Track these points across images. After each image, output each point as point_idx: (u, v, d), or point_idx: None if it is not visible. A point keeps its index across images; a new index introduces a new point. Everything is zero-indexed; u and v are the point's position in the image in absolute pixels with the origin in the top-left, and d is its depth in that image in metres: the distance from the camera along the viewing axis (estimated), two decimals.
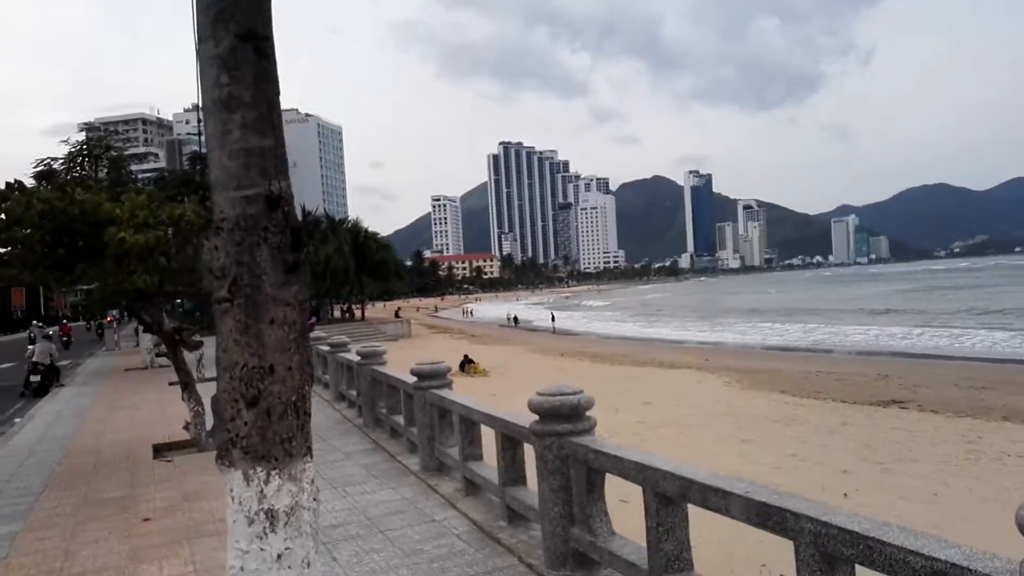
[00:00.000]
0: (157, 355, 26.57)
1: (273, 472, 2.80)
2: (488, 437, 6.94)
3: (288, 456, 2.82)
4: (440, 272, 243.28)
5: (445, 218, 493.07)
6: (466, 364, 30.20)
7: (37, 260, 9.10)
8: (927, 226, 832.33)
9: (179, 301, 41.16)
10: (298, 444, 2.86)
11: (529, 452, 5.82)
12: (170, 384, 20.06)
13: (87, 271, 9.03)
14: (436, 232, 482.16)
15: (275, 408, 2.79)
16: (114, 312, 48.32)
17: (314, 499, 2.91)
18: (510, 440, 6.14)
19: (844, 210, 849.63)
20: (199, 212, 9.67)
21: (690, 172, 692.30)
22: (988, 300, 77.64)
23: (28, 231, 8.63)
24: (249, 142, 2.72)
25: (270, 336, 2.77)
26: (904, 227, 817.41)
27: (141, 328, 26.48)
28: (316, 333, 18.27)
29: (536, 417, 5.18)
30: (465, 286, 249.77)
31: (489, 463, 6.97)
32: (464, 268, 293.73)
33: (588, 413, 5.07)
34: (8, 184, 8.76)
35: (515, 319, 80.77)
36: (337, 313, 65.29)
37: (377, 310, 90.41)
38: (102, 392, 19.79)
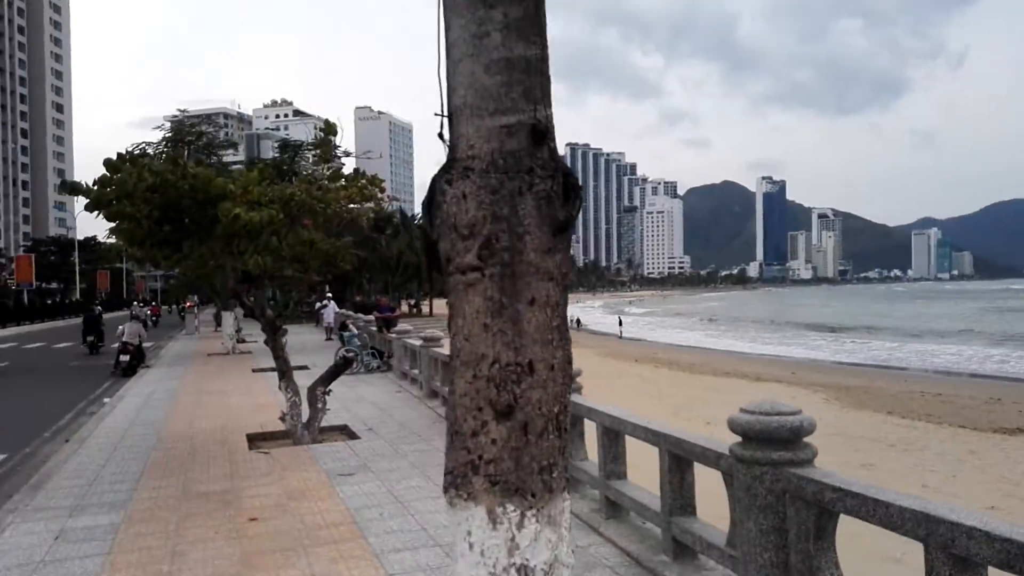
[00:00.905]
0: (239, 341, 26.68)
1: (529, 513, 2.03)
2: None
3: (547, 491, 2.06)
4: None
5: None
6: None
7: (144, 236, 8.71)
8: (1016, 243, 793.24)
9: None
10: (559, 475, 2.09)
11: (705, 478, 5.12)
12: (254, 371, 19.97)
13: (195, 249, 8.58)
14: None
15: (534, 422, 2.03)
16: (194, 297, 49.40)
17: (572, 552, 2.15)
18: (679, 461, 5.35)
19: (926, 223, 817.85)
20: (310, 191, 9.14)
21: (762, 178, 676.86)
22: None
23: (138, 205, 8.23)
24: (512, 50, 1.97)
25: (530, 321, 2.02)
26: (991, 243, 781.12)
27: (233, 313, 26.75)
28: (402, 326, 17.79)
29: (738, 439, 4.39)
30: None
31: (636, 483, 6.19)
32: None
33: (807, 440, 4.20)
34: (119, 155, 8.38)
35: (578, 321, 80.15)
36: (404, 307, 65.48)
37: (440, 306, 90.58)
38: (188, 375, 19.74)
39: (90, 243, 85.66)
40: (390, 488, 7.66)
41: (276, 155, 34.96)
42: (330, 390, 11.01)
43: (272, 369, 20.06)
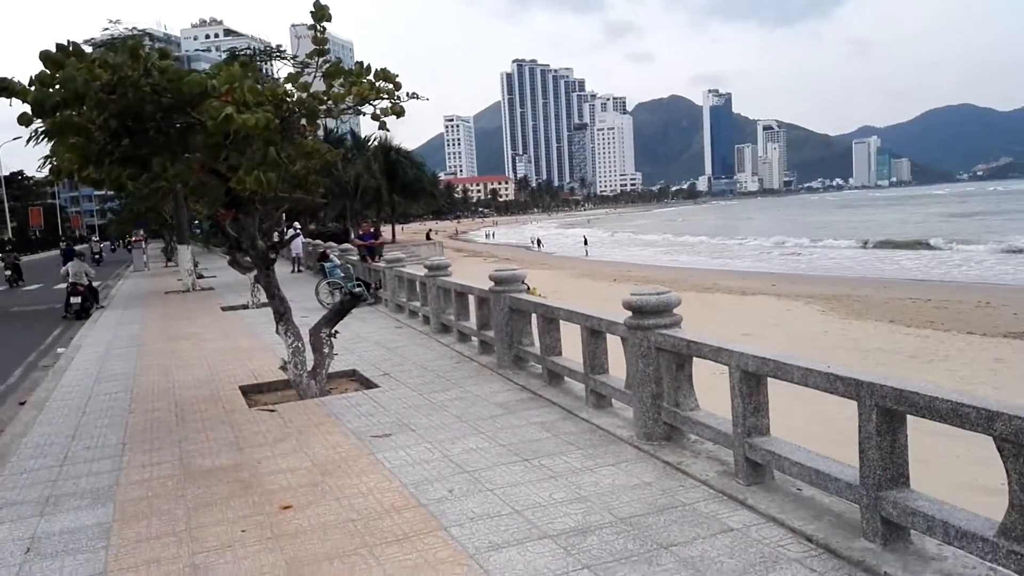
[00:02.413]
0: (199, 276, 24.63)
1: None
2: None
3: None
4: (455, 194, 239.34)
5: (458, 139, 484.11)
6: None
7: (99, 152, 6.84)
8: (950, 148, 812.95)
9: (196, 221, 38.97)
10: None
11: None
12: (223, 309, 18.14)
13: (168, 167, 6.74)
14: (449, 153, 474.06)
15: None
16: (139, 231, 46.42)
17: None
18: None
19: (866, 131, 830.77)
20: (315, 94, 7.32)
21: (709, 91, 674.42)
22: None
23: (91, 111, 6.34)
24: None
25: None
26: (927, 149, 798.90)
27: (190, 245, 24.51)
28: (394, 254, 16.09)
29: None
30: (480, 209, 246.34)
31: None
32: (479, 191, 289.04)
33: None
34: (59, 46, 6.41)
35: (538, 241, 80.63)
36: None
37: (406, 232, 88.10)
38: (149, 317, 17.81)
39: (17, 178, 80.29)
40: (445, 452, 6.22)
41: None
42: (337, 331, 9.42)
43: (244, 307, 18.41)
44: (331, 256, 17.33)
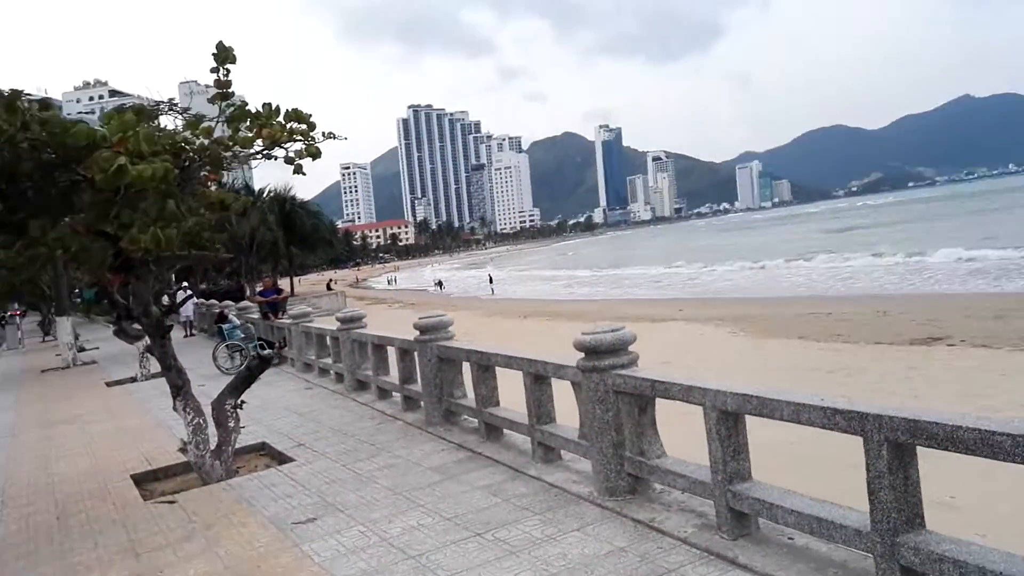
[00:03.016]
0: (80, 350, 22.63)
1: None
2: None
3: None
4: (354, 242, 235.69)
5: (355, 186, 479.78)
6: None
7: None
8: (826, 167, 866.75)
9: (76, 290, 36.07)
10: None
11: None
12: (108, 385, 16.57)
13: (48, 230, 5.75)
14: (347, 201, 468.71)
15: None
16: (14, 304, 42.86)
17: None
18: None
19: (748, 157, 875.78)
20: (220, 140, 6.48)
21: (600, 127, 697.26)
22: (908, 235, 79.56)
23: None
24: None
25: None
26: (804, 170, 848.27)
27: (69, 317, 22.56)
28: (299, 308, 15.01)
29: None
30: (380, 255, 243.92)
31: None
32: (378, 236, 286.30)
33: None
34: None
35: (440, 283, 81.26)
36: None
37: (305, 285, 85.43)
38: (25, 400, 15.98)
39: None
40: (383, 535, 5.41)
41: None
42: (243, 402, 8.44)
43: (132, 380, 16.81)
44: (229, 317, 16.10)
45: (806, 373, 15.63)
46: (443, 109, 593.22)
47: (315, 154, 6.80)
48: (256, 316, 17.55)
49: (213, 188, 6.77)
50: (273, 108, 6.71)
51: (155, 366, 16.93)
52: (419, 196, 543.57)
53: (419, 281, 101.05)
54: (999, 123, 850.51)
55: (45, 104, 5.69)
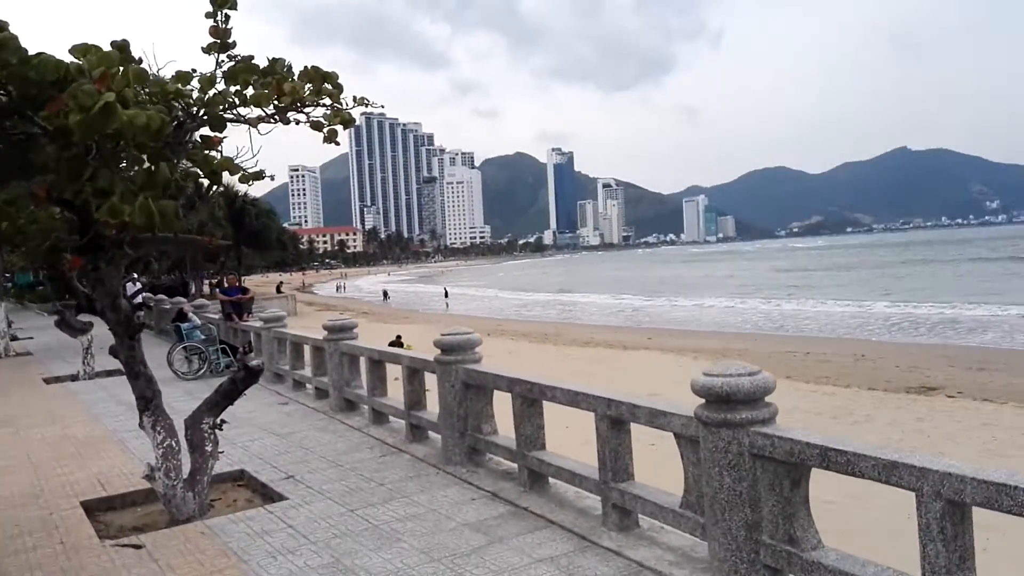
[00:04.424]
0: (12, 339, 20.60)
1: None
2: None
3: None
4: (300, 246, 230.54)
5: (304, 189, 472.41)
6: (397, 344, 26.05)
7: None
8: (768, 207, 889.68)
9: (7, 274, 33.35)
10: None
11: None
12: (47, 382, 14.82)
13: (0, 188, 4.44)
14: (294, 204, 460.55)
15: None
16: None
17: None
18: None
19: (694, 190, 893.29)
20: (223, 94, 5.23)
21: (553, 149, 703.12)
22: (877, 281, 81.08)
23: None
24: None
25: None
26: (748, 207, 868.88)
27: (1, 303, 20.56)
28: (272, 311, 13.56)
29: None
30: (327, 260, 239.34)
31: None
32: (325, 242, 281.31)
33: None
34: None
35: (384, 293, 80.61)
36: (207, 288, 57.98)
37: (255, 284, 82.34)
38: None
39: None
40: None
41: None
42: (223, 422, 7.12)
43: (73, 378, 15.04)
44: (189, 315, 14.56)
45: (807, 416, 14.89)
46: (396, 119, 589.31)
47: (348, 121, 5.59)
48: (215, 316, 15.99)
49: (217, 153, 5.46)
50: (286, 64, 5.49)
51: (99, 364, 15.31)
52: (368, 204, 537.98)
53: (368, 290, 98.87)
54: (933, 177, 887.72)
55: (1, 25, 4.32)
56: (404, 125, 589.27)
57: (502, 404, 7.05)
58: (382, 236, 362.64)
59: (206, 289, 57.02)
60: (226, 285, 15.95)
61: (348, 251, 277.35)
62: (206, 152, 5.26)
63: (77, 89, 3.91)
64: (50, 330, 22.24)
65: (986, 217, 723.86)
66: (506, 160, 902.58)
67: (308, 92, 5.41)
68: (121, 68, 4.30)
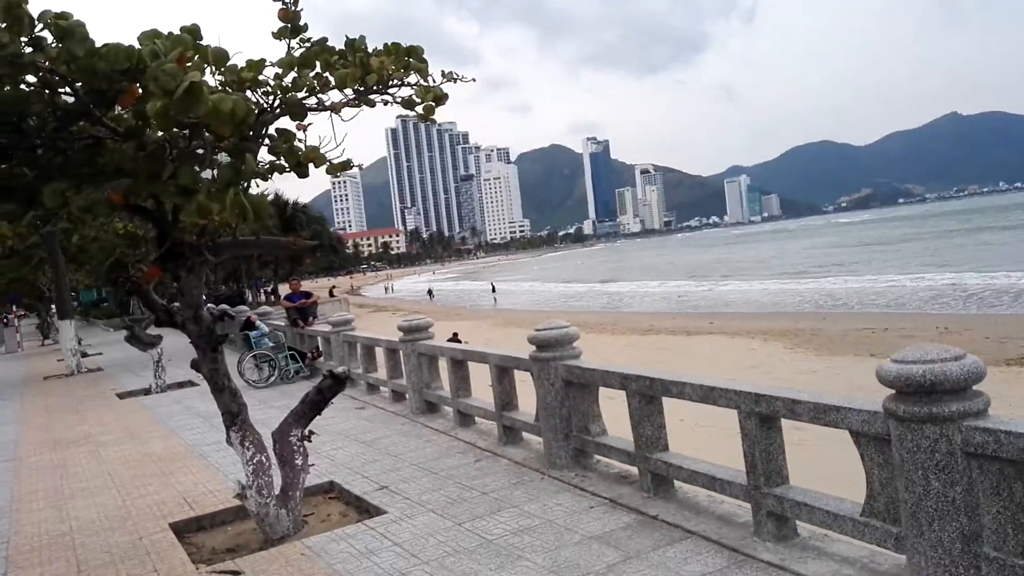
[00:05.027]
0: (83, 355, 20.79)
1: None
2: None
3: None
4: (346, 250, 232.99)
5: (346, 195, 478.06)
6: (454, 341, 25.72)
7: None
8: (814, 182, 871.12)
9: (73, 291, 34.01)
10: None
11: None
12: (120, 396, 14.75)
13: (72, 196, 4.03)
14: (337, 209, 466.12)
15: None
16: (12, 307, 40.89)
17: None
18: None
19: (735, 171, 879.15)
20: (304, 75, 4.77)
21: (588, 139, 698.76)
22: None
23: None
24: None
25: None
26: (793, 184, 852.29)
27: (71, 320, 20.76)
28: (339, 315, 13.23)
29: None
30: (373, 263, 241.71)
31: None
32: (370, 245, 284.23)
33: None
34: None
35: (430, 292, 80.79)
36: (262, 296, 58.61)
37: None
38: (28, 411, 14.11)
39: None
40: None
41: None
42: (312, 433, 6.72)
43: (146, 392, 14.94)
44: (257, 323, 14.32)
45: None
46: (432, 119, 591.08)
47: (441, 97, 5.07)
48: (281, 323, 15.75)
49: (302, 140, 4.98)
50: (364, 43, 4.95)
51: (170, 376, 15.23)
52: (409, 205, 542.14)
53: (416, 289, 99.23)
54: (987, 141, 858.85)
55: (63, 14, 3.89)
56: (440, 125, 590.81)
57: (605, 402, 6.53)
58: (424, 236, 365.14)
59: (262, 297, 57.67)
60: (290, 291, 15.67)
61: (392, 252, 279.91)
62: (292, 142, 4.78)
63: (157, 70, 3.45)
64: (118, 345, 22.42)
65: None
66: (541, 153, 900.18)
67: (394, 69, 4.91)
68: (197, 52, 3.86)
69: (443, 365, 9.21)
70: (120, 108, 4.22)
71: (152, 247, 8.27)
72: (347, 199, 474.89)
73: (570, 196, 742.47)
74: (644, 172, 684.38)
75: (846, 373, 16.55)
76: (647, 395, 5.51)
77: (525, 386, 7.77)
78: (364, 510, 6.62)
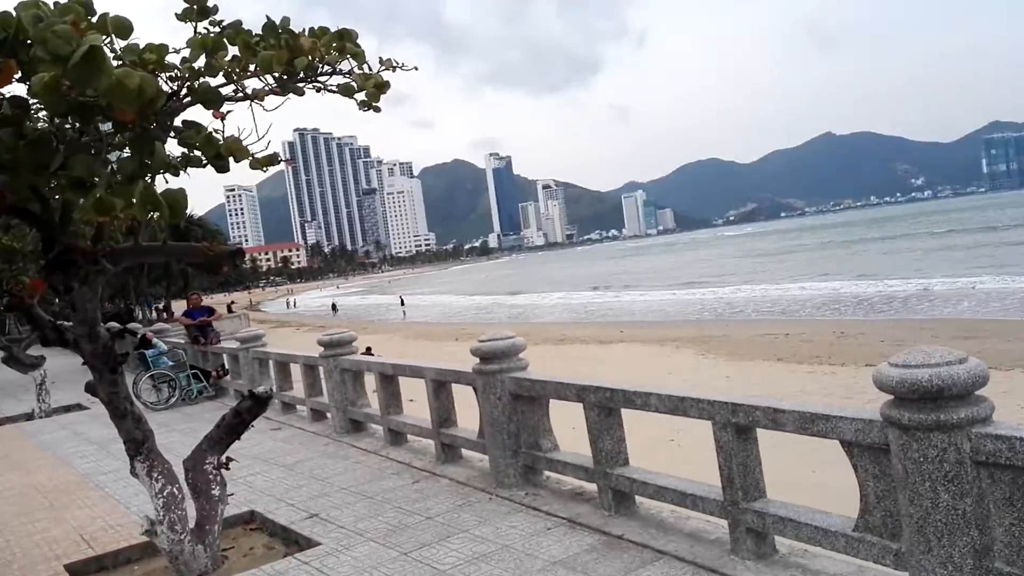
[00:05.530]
0: None
1: None
2: None
3: None
4: (244, 264, 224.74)
5: (241, 208, 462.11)
6: (367, 354, 24.92)
7: None
8: (704, 197, 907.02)
9: None
10: None
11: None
12: None
13: None
14: (233, 223, 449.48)
15: None
16: None
17: None
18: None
19: (632, 186, 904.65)
20: (218, 59, 4.19)
21: (490, 154, 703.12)
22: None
23: None
24: None
25: None
26: (685, 199, 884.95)
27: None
28: (248, 331, 12.35)
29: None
30: (272, 278, 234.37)
31: None
32: (268, 259, 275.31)
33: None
34: None
35: (333, 306, 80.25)
36: (153, 314, 55.34)
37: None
38: None
39: None
40: None
41: None
42: (230, 459, 6.08)
43: (28, 417, 13.50)
44: (155, 341, 13.24)
45: (827, 399, 14.35)
46: (330, 133, 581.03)
47: (383, 85, 4.58)
48: (180, 340, 14.66)
49: (221, 130, 4.39)
50: (284, 26, 4.43)
51: (56, 399, 13.86)
52: (309, 219, 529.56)
53: (319, 304, 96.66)
54: (859, 159, 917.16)
55: None
56: (339, 139, 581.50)
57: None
58: (326, 250, 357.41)
59: (153, 315, 54.53)
60: (190, 306, 14.60)
61: (292, 267, 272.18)
62: (206, 133, 4.19)
63: (46, 31, 2.83)
64: None
65: (912, 194, 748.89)
66: (444, 168, 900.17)
67: (325, 53, 4.40)
68: (92, 22, 3.26)
69: (369, 381, 8.66)
70: None
71: (30, 261, 7.46)
72: (243, 212, 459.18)
73: (474, 210, 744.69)
74: (546, 187, 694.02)
75: (760, 378, 16.90)
76: (606, 407, 5.19)
77: (461, 400, 7.36)
78: (292, 542, 6.02)
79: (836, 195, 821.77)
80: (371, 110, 4.57)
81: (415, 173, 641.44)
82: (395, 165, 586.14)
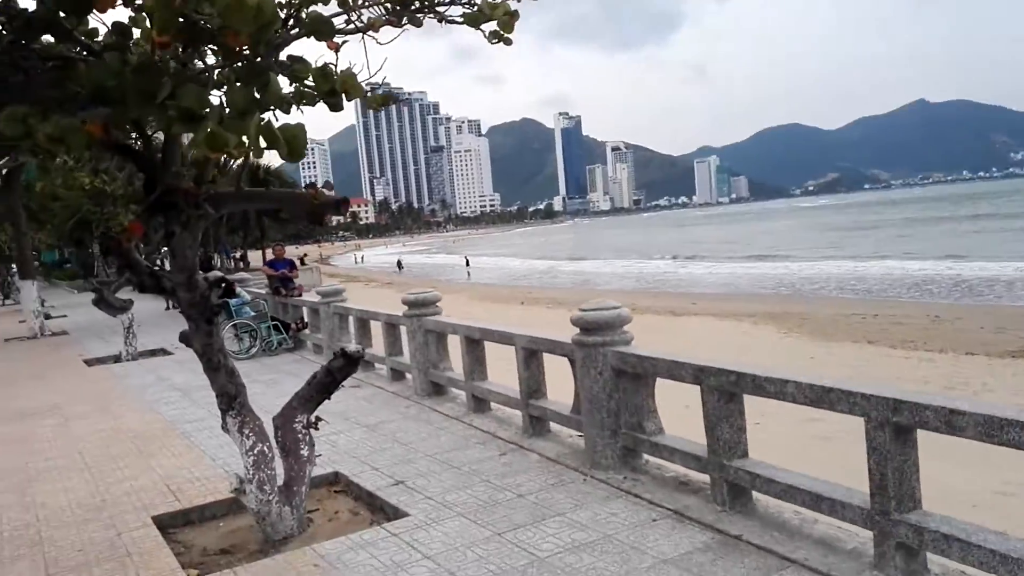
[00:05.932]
0: (46, 318, 19.58)
1: None
2: None
3: None
4: (345, 215, 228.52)
5: (314, 162, 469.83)
6: None
7: None
8: (782, 165, 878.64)
9: (34, 250, 32.22)
10: None
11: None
12: (88, 363, 13.69)
13: (34, 121, 3.12)
14: (305, 176, 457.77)
15: None
16: None
17: None
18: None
19: (705, 151, 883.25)
20: None
21: (560, 114, 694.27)
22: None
23: None
24: None
25: None
26: (761, 167, 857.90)
27: (34, 280, 19.51)
28: (329, 285, 12.29)
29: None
30: (341, 233, 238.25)
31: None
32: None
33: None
34: None
35: (399, 263, 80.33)
36: (231, 263, 56.75)
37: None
38: None
39: None
40: None
41: None
42: (319, 419, 5.89)
43: (115, 359, 13.80)
44: (239, 290, 13.31)
45: (916, 386, 13.51)
46: (401, 88, 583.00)
47: (513, 14, 4.13)
48: (261, 291, 14.73)
49: (336, 64, 4.04)
50: None
51: (142, 343, 14.14)
52: (378, 175, 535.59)
53: (387, 261, 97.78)
54: (953, 129, 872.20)
55: None
56: (410, 94, 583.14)
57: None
58: (393, 207, 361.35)
59: (231, 264, 55.98)
60: (273, 257, 14.63)
61: (361, 223, 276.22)
62: (325, 64, 3.84)
63: None
64: (82, 308, 21.15)
65: (1010, 169, 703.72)
66: (512, 126, 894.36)
67: None
68: None
69: (454, 343, 8.38)
70: (98, 12, 3.28)
71: (120, 205, 7.22)
72: (315, 166, 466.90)
73: (540, 171, 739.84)
74: (615, 149, 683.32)
75: (850, 361, 16.02)
76: (728, 392, 4.74)
77: (549, 370, 7.00)
78: (378, 508, 5.80)
79: (925, 168, 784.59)
80: (502, 42, 4.15)
81: (483, 131, 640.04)
82: (463, 123, 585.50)
